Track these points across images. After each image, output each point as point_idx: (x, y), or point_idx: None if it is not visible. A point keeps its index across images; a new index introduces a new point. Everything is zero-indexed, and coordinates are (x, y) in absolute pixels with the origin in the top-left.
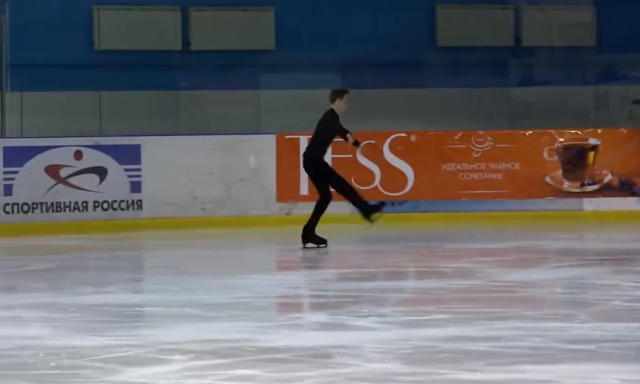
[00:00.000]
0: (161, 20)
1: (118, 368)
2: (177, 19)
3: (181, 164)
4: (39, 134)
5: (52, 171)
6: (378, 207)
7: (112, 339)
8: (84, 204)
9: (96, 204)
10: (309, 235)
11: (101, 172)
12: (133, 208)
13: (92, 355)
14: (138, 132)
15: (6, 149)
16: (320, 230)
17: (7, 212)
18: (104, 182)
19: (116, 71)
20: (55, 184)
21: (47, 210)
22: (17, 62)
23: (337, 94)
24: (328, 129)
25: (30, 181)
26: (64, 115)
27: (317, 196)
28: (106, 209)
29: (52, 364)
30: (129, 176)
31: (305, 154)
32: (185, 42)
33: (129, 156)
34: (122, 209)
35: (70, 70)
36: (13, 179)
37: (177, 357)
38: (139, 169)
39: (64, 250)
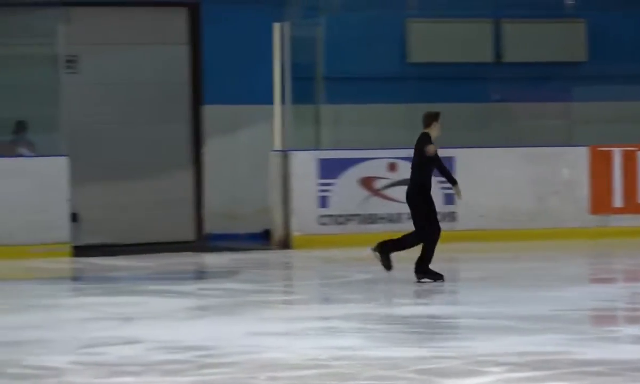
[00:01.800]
0: (473, 33)
1: (432, 379)
2: (489, 31)
3: (494, 176)
4: (354, 146)
5: (367, 182)
6: (434, 274)
7: (426, 351)
8: (398, 216)
9: (409, 215)
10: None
11: None
12: (447, 220)
13: (406, 366)
14: (451, 144)
15: (322, 162)
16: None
17: (323, 224)
18: None
19: (428, 84)
20: (370, 196)
21: (361, 222)
22: (332, 75)
23: (433, 117)
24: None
25: (345, 193)
26: (377, 127)
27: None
28: None
29: (367, 374)
30: (443, 189)
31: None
32: (498, 54)
33: None
34: None
35: (384, 83)
36: (329, 191)
37: (493, 369)
38: None
39: (379, 262)
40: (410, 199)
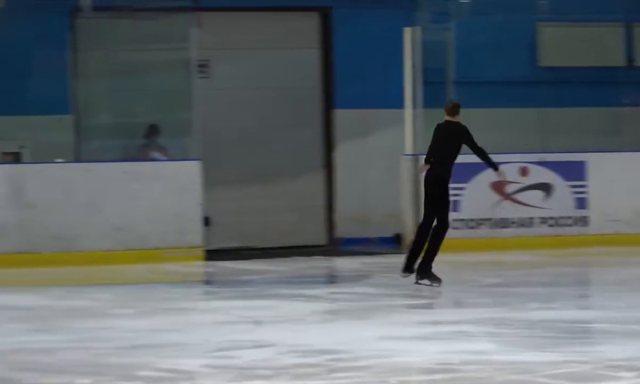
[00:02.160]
0: (604, 37)
1: None
2: (621, 35)
3: (626, 180)
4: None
5: (498, 187)
6: (434, 277)
7: (558, 356)
8: (530, 220)
9: (542, 220)
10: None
11: (546, 188)
12: (579, 225)
13: (537, 371)
14: (582, 149)
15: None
16: None
17: (455, 228)
18: (549, 199)
19: (559, 88)
20: (501, 200)
21: (493, 226)
22: (462, 79)
23: (459, 107)
24: (459, 142)
25: (476, 197)
26: (508, 131)
27: None
28: (552, 226)
29: (498, 379)
30: (574, 193)
31: (436, 171)
32: (629, 58)
33: (574, 172)
34: (568, 226)
35: (514, 87)
36: (459, 195)
37: (623, 374)
38: (584, 186)
39: (510, 266)
40: (433, 188)
